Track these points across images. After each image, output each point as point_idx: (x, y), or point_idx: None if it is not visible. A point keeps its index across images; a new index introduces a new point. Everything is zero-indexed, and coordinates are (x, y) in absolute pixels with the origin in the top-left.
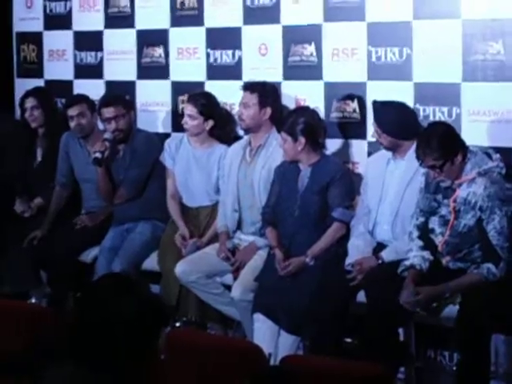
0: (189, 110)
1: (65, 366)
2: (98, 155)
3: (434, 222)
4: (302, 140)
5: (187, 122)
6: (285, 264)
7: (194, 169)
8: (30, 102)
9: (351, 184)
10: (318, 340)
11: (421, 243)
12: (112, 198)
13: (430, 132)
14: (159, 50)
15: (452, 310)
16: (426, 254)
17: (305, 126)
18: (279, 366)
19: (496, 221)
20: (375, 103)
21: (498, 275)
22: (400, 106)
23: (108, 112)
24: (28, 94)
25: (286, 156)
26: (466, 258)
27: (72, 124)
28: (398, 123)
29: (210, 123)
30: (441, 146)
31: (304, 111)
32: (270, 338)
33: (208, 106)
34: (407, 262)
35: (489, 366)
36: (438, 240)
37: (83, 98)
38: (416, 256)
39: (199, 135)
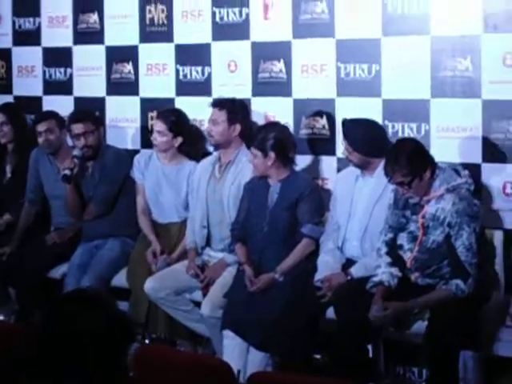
0: (158, 126)
1: (35, 380)
2: (67, 172)
3: (402, 238)
4: (272, 155)
5: (156, 139)
6: (254, 280)
7: (164, 185)
8: None
9: (320, 200)
10: (287, 356)
11: (389, 259)
12: (81, 215)
13: (398, 148)
14: (128, 66)
15: (421, 326)
16: (395, 271)
17: (275, 141)
18: None
19: (464, 237)
20: (345, 121)
21: (466, 291)
22: (370, 124)
23: (77, 128)
24: None
25: (255, 171)
26: (435, 274)
27: (40, 140)
28: (367, 141)
29: (179, 140)
30: (409, 162)
31: (274, 126)
32: (239, 354)
33: (177, 122)
34: (376, 279)
35: (457, 382)
36: (407, 256)
37: (52, 115)
38: (384, 272)
39: (168, 151)
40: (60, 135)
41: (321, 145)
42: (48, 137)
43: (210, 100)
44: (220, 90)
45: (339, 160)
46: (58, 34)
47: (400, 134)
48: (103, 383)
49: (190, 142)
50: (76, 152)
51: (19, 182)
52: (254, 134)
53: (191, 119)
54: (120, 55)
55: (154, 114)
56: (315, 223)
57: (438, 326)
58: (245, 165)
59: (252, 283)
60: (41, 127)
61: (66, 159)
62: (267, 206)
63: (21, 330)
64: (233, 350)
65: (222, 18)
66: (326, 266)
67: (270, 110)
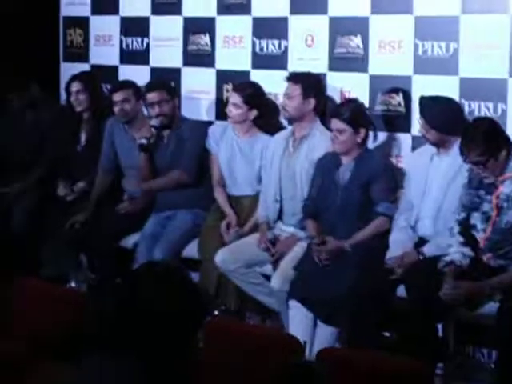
0: (234, 98)
1: (102, 354)
2: (143, 141)
3: (476, 218)
4: (363, 131)
5: (231, 111)
6: (322, 239)
7: (238, 157)
8: (75, 86)
9: (394, 178)
10: (355, 333)
11: (462, 239)
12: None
13: (474, 127)
14: (205, 38)
15: (492, 307)
16: (467, 251)
17: (365, 117)
18: (314, 363)
19: None
20: (422, 98)
21: None
22: (447, 101)
23: (152, 97)
24: (74, 78)
25: (340, 147)
26: (508, 255)
27: (116, 109)
28: (445, 118)
29: (254, 113)
30: (485, 141)
31: (357, 103)
32: (305, 325)
33: (253, 95)
34: (447, 258)
35: None
36: (480, 236)
37: (129, 84)
38: (457, 252)
39: (243, 124)
40: (136, 105)
41: (396, 122)
42: (124, 106)
43: (285, 74)
44: (296, 64)
45: (414, 138)
46: (136, 4)
47: (476, 113)
48: (173, 358)
49: (265, 116)
50: (154, 122)
51: (94, 150)
52: (338, 109)
53: (266, 93)
54: (197, 27)
55: (229, 86)
56: (390, 201)
57: (510, 307)
58: (318, 140)
59: (319, 244)
60: (117, 96)
61: (142, 129)
62: (339, 184)
63: (90, 301)
64: (299, 320)
65: None
66: (399, 244)
67: (346, 85)
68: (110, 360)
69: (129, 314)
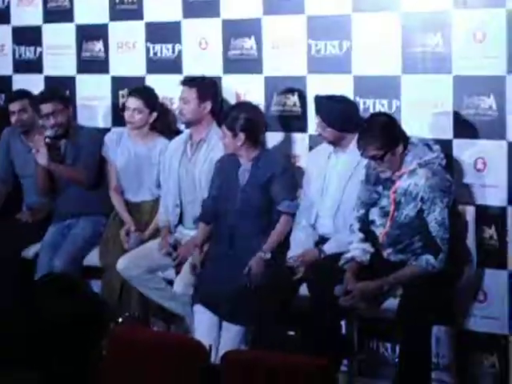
0: (133, 103)
1: (5, 368)
2: None
3: (374, 214)
4: (242, 136)
5: (133, 116)
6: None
7: (135, 163)
8: None
9: (293, 177)
10: (259, 333)
11: (362, 235)
12: (51, 195)
13: (372, 122)
14: (99, 45)
15: (393, 302)
16: (367, 246)
17: (245, 121)
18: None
19: (437, 212)
20: (317, 97)
21: (437, 266)
22: (343, 100)
23: (46, 107)
24: None
25: (225, 150)
26: (407, 249)
27: (13, 119)
28: (341, 116)
29: (154, 115)
30: (382, 135)
31: (245, 106)
32: (210, 329)
33: (152, 98)
34: (348, 255)
35: (430, 357)
36: (379, 232)
37: (25, 94)
38: (357, 248)
39: (142, 129)
40: (33, 114)
41: (292, 122)
42: (21, 116)
43: (180, 78)
44: (190, 68)
45: (311, 137)
46: (27, 13)
47: (371, 110)
48: (74, 369)
49: (162, 119)
50: (48, 132)
51: None
52: (224, 114)
53: (161, 97)
54: (90, 33)
55: (125, 91)
56: (291, 199)
57: (410, 302)
58: (216, 143)
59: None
60: (13, 107)
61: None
62: (238, 185)
63: None
64: (204, 324)
65: None
66: (299, 242)
67: (241, 87)
68: (7, 373)
69: (28, 325)
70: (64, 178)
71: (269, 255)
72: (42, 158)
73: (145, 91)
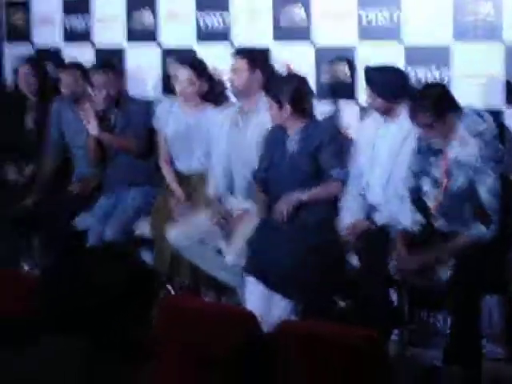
0: (185, 74)
1: (53, 335)
2: None
3: (426, 184)
4: (288, 107)
5: (185, 87)
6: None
7: (186, 133)
8: (24, 69)
9: (343, 145)
10: (310, 304)
11: (413, 206)
12: (101, 165)
13: (424, 91)
14: (148, 14)
15: (446, 272)
16: (418, 217)
17: (291, 93)
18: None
19: (488, 182)
20: (368, 68)
21: (488, 236)
22: (392, 69)
23: (98, 79)
24: (23, 62)
25: (272, 121)
26: (459, 219)
27: (63, 90)
28: (390, 86)
29: (206, 85)
30: (434, 104)
31: (290, 78)
32: (261, 300)
33: (201, 68)
34: (399, 225)
35: (481, 327)
36: (431, 202)
37: (75, 64)
38: (407, 218)
39: (193, 99)
40: (83, 84)
41: (342, 91)
42: (71, 86)
43: (230, 47)
44: (240, 38)
45: (361, 107)
46: None
47: (422, 80)
48: (124, 336)
49: (212, 89)
50: (99, 107)
51: (41, 132)
52: (270, 86)
53: (211, 68)
54: (139, 3)
55: (174, 61)
56: (341, 167)
57: (462, 272)
58: (267, 113)
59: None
60: (64, 77)
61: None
62: (287, 155)
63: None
64: (255, 295)
65: None
66: (350, 212)
67: (291, 57)
68: (59, 341)
69: (78, 292)
70: (115, 148)
71: (304, 197)
72: (93, 128)
73: (195, 61)
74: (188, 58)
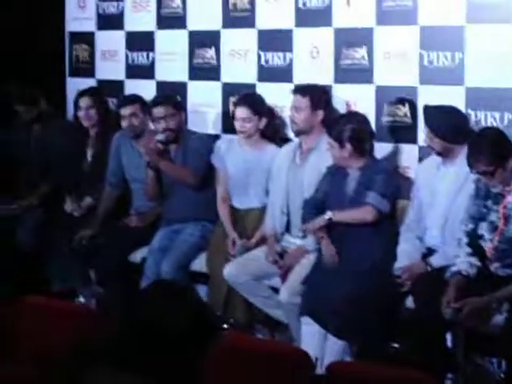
0: (242, 113)
1: (106, 372)
2: None
3: (483, 229)
4: (348, 147)
5: (244, 126)
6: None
7: (245, 170)
8: (85, 101)
9: (394, 179)
10: (365, 346)
11: (469, 249)
12: (160, 199)
13: (481, 138)
14: (211, 51)
15: (501, 317)
16: (474, 260)
17: (352, 132)
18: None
19: None
20: (427, 108)
21: None
22: (452, 110)
23: (158, 111)
24: (83, 93)
25: (334, 160)
26: None
27: (124, 124)
28: (449, 127)
29: (264, 121)
30: (492, 151)
31: (352, 117)
32: (317, 341)
33: (259, 104)
34: (454, 268)
35: None
36: (487, 246)
37: (137, 98)
38: (463, 262)
39: (252, 136)
40: (143, 120)
41: (402, 133)
42: (132, 121)
43: (291, 86)
44: (301, 77)
45: (420, 149)
46: (141, 19)
47: (483, 123)
48: (180, 377)
49: (272, 126)
50: (159, 136)
51: (100, 165)
52: (331, 125)
53: (272, 105)
54: (202, 40)
55: (235, 99)
56: (381, 195)
57: None
58: (326, 152)
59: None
60: (125, 111)
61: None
62: (346, 194)
63: (98, 316)
64: (311, 336)
65: (304, 4)
66: (406, 254)
67: (351, 96)
68: (115, 378)
69: (136, 331)
70: (172, 177)
71: (328, 216)
72: (153, 158)
73: (252, 99)
74: (246, 96)
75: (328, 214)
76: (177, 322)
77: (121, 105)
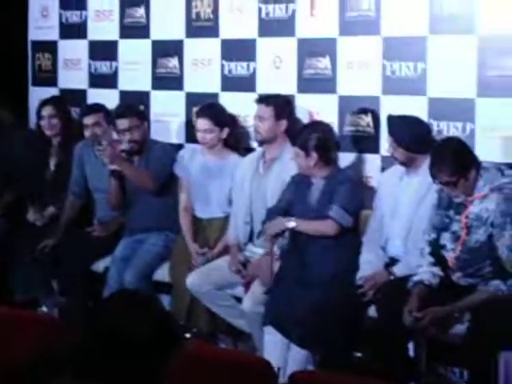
0: (203, 124)
1: (69, 381)
2: (115, 167)
3: (445, 239)
4: (314, 155)
5: (205, 137)
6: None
7: (208, 179)
8: (47, 111)
9: (358, 191)
10: (328, 355)
11: (431, 259)
12: (121, 209)
13: (443, 148)
14: (174, 61)
15: (462, 327)
16: (436, 270)
17: (317, 141)
18: None
19: (506, 237)
20: (390, 117)
21: (506, 292)
22: (415, 120)
23: (122, 123)
24: (46, 102)
25: (299, 169)
26: (477, 273)
27: (87, 133)
28: (413, 137)
29: (226, 131)
30: (454, 162)
31: (317, 126)
32: (280, 351)
33: (220, 114)
34: (416, 278)
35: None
36: (449, 256)
37: (100, 108)
38: (426, 271)
39: (215, 147)
40: (106, 128)
41: (365, 142)
42: (95, 130)
43: (254, 96)
44: (264, 86)
45: (383, 158)
46: (103, 28)
47: (445, 133)
48: None
49: (234, 134)
50: (124, 146)
51: (63, 175)
52: (296, 133)
53: (235, 115)
54: (165, 50)
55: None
56: (345, 209)
57: (478, 328)
58: (289, 161)
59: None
60: (88, 120)
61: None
62: (310, 204)
63: (60, 326)
64: (274, 346)
65: (267, 14)
66: (369, 264)
67: (315, 106)
68: None
69: (100, 340)
70: (132, 181)
71: (292, 224)
72: (115, 158)
73: (212, 110)
74: (206, 107)
75: (292, 222)
76: (140, 331)
77: (84, 114)
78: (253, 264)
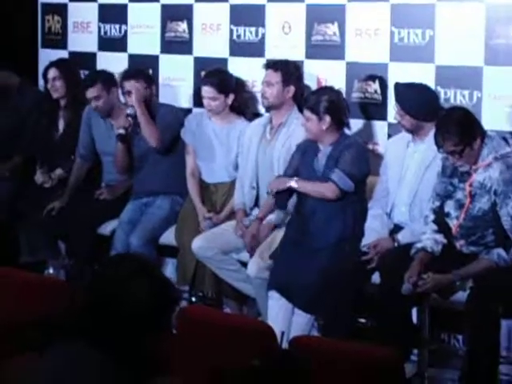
0: (207, 92)
1: (72, 343)
2: (121, 131)
3: (449, 206)
4: (327, 118)
5: (210, 104)
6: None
7: (214, 144)
8: (52, 73)
9: (362, 157)
10: (331, 320)
11: (435, 227)
12: (129, 172)
13: (448, 117)
14: (183, 25)
15: (464, 294)
16: (439, 237)
17: (329, 104)
18: (288, 351)
19: (509, 206)
20: (397, 85)
21: (508, 260)
22: (422, 88)
23: (128, 85)
24: (51, 65)
25: (309, 135)
26: (479, 242)
27: (92, 105)
28: (420, 104)
29: (231, 97)
30: (460, 131)
31: (328, 90)
32: (283, 316)
33: (224, 81)
34: (419, 245)
35: (498, 351)
36: (453, 224)
37: (97, 78)
38: (429, 239)
39: (221, 112)
40: (109, 97)
41: (372, 109)
42: (97, 103)
43: (262, 61)
44: (273, 52)
45: (390, 125)
46: None
47: (452, 101)
48: (141, 349)
49: (242, 99)
50: (129, 110)
51: (71, 137)
52: (307, 97)
53: (243, 80)
54: (175, 14)
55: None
56: (348, 174)
57: (480, 295)
58: (296, 127)
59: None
60: (89, 94)
61: (121, 117)
62: (316, 170)
63: (66, 288)
64: (278, 311)
65: None
66: (374, 231)
67: (323, 72)
68: (77, 349)
69: (99, 304)
70: (141, 125)
71: (294, 184)
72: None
73: (216, 77)
74: (211, 74)
75: (293, 182)
76: (137, 294)
77: (84, 87)
78: (259, 229)
